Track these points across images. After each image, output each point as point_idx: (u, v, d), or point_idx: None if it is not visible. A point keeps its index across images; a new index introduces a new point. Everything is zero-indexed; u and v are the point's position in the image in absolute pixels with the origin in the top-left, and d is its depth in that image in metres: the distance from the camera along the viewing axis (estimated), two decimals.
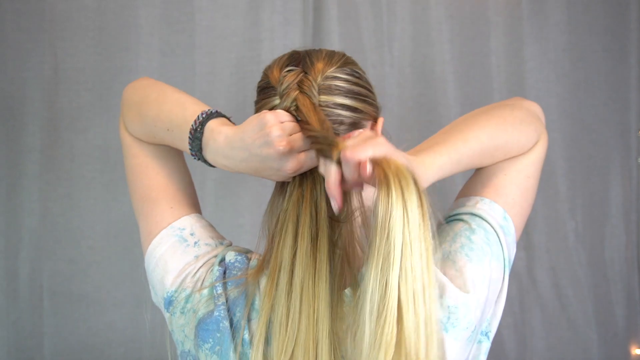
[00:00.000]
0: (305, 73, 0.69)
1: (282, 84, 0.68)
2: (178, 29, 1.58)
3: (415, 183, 0.60)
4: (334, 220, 0.66)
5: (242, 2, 1.59)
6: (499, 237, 0.72)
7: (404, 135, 1.62)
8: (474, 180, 0.80)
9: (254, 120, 0.65)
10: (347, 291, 0.67)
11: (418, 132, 1.63)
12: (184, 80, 1.57)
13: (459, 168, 0.73)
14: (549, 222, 1.67)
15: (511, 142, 0.75)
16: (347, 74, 0.71)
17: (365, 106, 0.72)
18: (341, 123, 0.69)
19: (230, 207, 1.60)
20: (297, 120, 0.66)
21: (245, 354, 0.67)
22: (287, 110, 0.67)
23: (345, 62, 0.72)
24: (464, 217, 0.75)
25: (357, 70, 0.73)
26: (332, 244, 0.65)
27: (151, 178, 0.79)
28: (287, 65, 0.70)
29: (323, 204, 0.66)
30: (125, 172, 0.82)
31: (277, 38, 1.58)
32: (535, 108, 0.81)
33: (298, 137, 0.65)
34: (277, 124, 0.64)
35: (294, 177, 0.69)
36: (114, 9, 1.58)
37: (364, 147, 0.59)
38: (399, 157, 0.61)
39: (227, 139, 0.66)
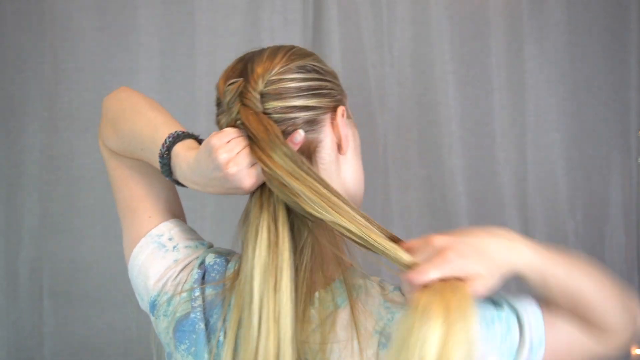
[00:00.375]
0: (247, 82, 0.67)
1: (225, 98, 0.68)
2: (178, 29, 1.58)
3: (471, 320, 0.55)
4: (309, 220, 0.65)
5: (242, 2, 1.59)
6: (522, 338, 0.67)
7: (404, 135, 1.62)
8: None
9: (203, 146, 0.65)
10: (317, 294, 0.67)
11: (418, 132, 1.63)
12: (184, 80, 1.56)
13: (541, 277, 0.65)
14: (549, 222, 1.67)
15: (600, 310, 0.68)
16: (293, 73, 0.68)
17: (319, 100, 0.69)
18: (295, 125, 0.68)
19: (230, 207, 1.60)
20: (246, 134, 0.65)
21: (220, 355, 0.67)
22: (234, 125, 0.66)
23: (290, 58, 0.69)
24: (506, 308, 0.69)
25: (305, 64, 0.70)
26: (296, 251, 0.65)
27: (131, 188, 0.80)
28: (230, 76, 0.69)
29: (281, 212, 0.65)
30: (109, 182, 0.84)
31: (277, 38, 1.58)
32: (637, 312, 0.75)
33: (244, 153, 0.64)
34: (222, 147, 0.63)
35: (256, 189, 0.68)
36: (114, 9, 1.58)
37: (432, 267, 0.58)
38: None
39: (188, 165, 0.67)
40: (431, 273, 0.58)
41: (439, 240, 0.61)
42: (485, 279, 0.59)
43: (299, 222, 0.67)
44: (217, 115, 0.71)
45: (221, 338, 0.68)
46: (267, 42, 1.58)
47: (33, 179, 1.58)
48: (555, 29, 1.65)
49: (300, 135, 0.65)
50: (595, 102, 1.67)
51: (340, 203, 0.62)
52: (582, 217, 1.67)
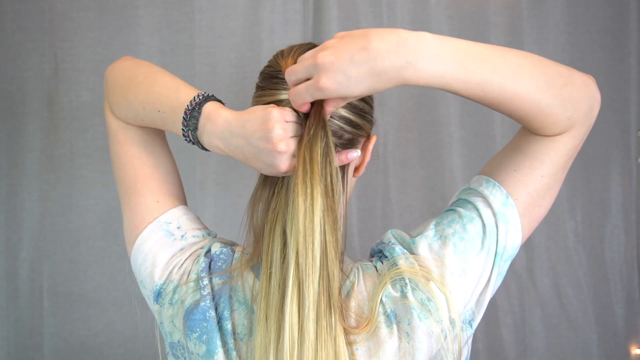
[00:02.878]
0: None
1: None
2: (178, 29, 1.58)
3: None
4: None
5: (242, 2, 1.59)
6: (497, 227, 0.69)
7: (404, 135, 1.62)
8: (493, 159, 0.76)
9: (258, 110, 0.64)
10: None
11: (418, 132, 1.63)
12: (184, 80, 1.56)
13: (458, 85, 0.60)
14: (549, 222, 1.67)
15: (537, 110, 0.63)
16: None
17: (364, 123, 0.72)
18: (340, 137, 0.69)
19: (230, 207, 1.60)
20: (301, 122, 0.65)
21: (227, 344, 0.68)
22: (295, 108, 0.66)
23: None
24: (464, 204, 0.73)
25: None
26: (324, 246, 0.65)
27: (137, 168, 0.78)
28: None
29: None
30: (111, 157, 0.81)
31: (277, 38, 1.58)
32: (593, 91, 0.71)
33: (296, 141, 0.64)
34: (281, 122, 0.63)
35: (283, 177, 0.68)
36: (114, 9, 1.58)
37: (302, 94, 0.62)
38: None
39: (227, 122, 0.66)
40: (290, 77, 0.63)
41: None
42: (333, 73, 0.58)
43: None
44: (266, 87, 0.71)
45: (229, 326, 0.68)
46: (267, 42, 1.58)
47: (33, 179, 1.58)
48: (555, 29, 1.65)
49: (357, 153, 0.69)
50: None
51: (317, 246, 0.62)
52: (582, 217, 1.68)
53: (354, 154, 0.68)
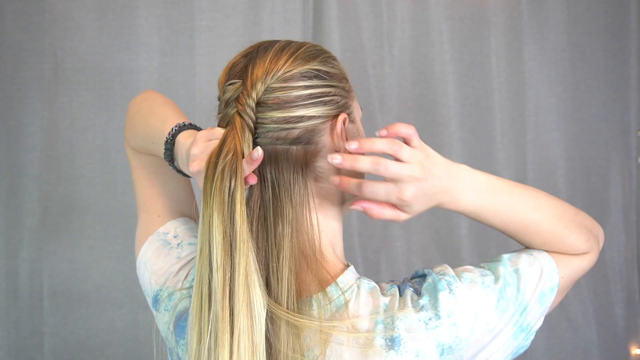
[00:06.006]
0: (243, 87, 0.65)
1: (223, 99, 0.67)
2: (178, 29, 1.59)
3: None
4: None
5: (242, 2, 1.59)
6: (528, 305, 0.68)
7: None
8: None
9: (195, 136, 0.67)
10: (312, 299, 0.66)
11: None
12: (184, 80, 1.57)
13: (495, 209, 0.69)
14: None
15: (554, 232, 0.72)
16: (296, 80, 0.65)
17: (320, 109, 0.66)
18: (285, 138, 0.65)
19: None
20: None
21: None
22: (225, 125, 0.66)
23: (294, 62, 0.66)
24: (507, 269, 0.70)
25: (310, 69, 0.66)
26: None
27: (147, 188, 0.83)
28: (231, 74, 0.67)
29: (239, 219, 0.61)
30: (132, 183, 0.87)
31: (277, 38, 1.58)
32: (599, 229, 0.79)
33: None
34: (199, 143, 0.64)
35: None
36: (114, 9, 1.58)
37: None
38: None
39: (186, 151, 0.68)
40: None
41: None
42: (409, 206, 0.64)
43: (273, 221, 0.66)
44: (218, 111, 0.71)
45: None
46: None
47: (33, 179, 1.58)
48: (555, 29, 1.65)
49: (258, 153, 0.61)
50: (595, 102, 1.67)
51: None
52: None
53: (255, 154, 0.60)
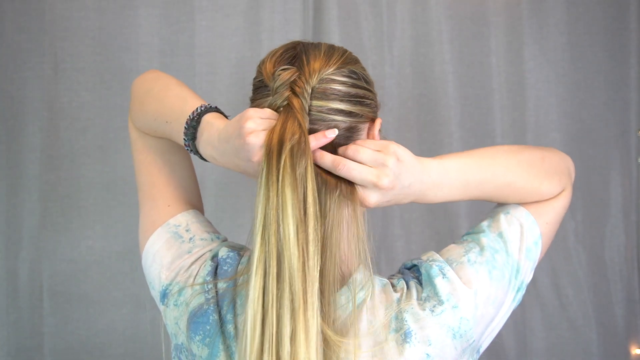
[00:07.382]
0: (300, 73, 0.67)
1: (275, 81, 0.68)
2: (178, 29, 1.59)
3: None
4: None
5: (242, 2, 1.59)
6: (519, 265, 0.74)
7: (404, 135, 1.62)
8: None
9: (238, 115, 0.66)
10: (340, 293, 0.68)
11: (418, 132, 1.63)
12: (184, 80, 1.54)
13: (466, 190, 0.72)
14: None
15: (527, 186, 0.75)
16: (345, 76, 0.69)
17: (362, 109, 0.70)
18: (336, 128, 0.68)
19: (230, 207, 1.60)
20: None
21: (230, 347, 0.68)
22: (276, 109, 0.66)
23: (345, 61, 0.70)
24: (489, 236, 0.75)
25: (356, 70, 0.71)
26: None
27: (153, 175, 0.81)
28: (280, 62, 0.69)
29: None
30: (133, 165, 0.84)
31: (277, 38, 1.58)
32: (567, 162, 0.82)
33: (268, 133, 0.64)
34: (253, 118, 0.64)
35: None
36: (114, 9, 1.58)
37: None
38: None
39: (217, 130, 0.68)
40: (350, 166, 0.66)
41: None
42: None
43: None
44: (255, 99, 0.71)
45: (232, 330, 0.68)
46: (267, 42, 1.59)
47: (33, 179, 1.58)
48: (555, 29, 1.65)
49: (334, 132, 0.66)
50: (595, 102, 1.67)
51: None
52: (582, 217, 1.68)
53: (330, 133, 0.66)
